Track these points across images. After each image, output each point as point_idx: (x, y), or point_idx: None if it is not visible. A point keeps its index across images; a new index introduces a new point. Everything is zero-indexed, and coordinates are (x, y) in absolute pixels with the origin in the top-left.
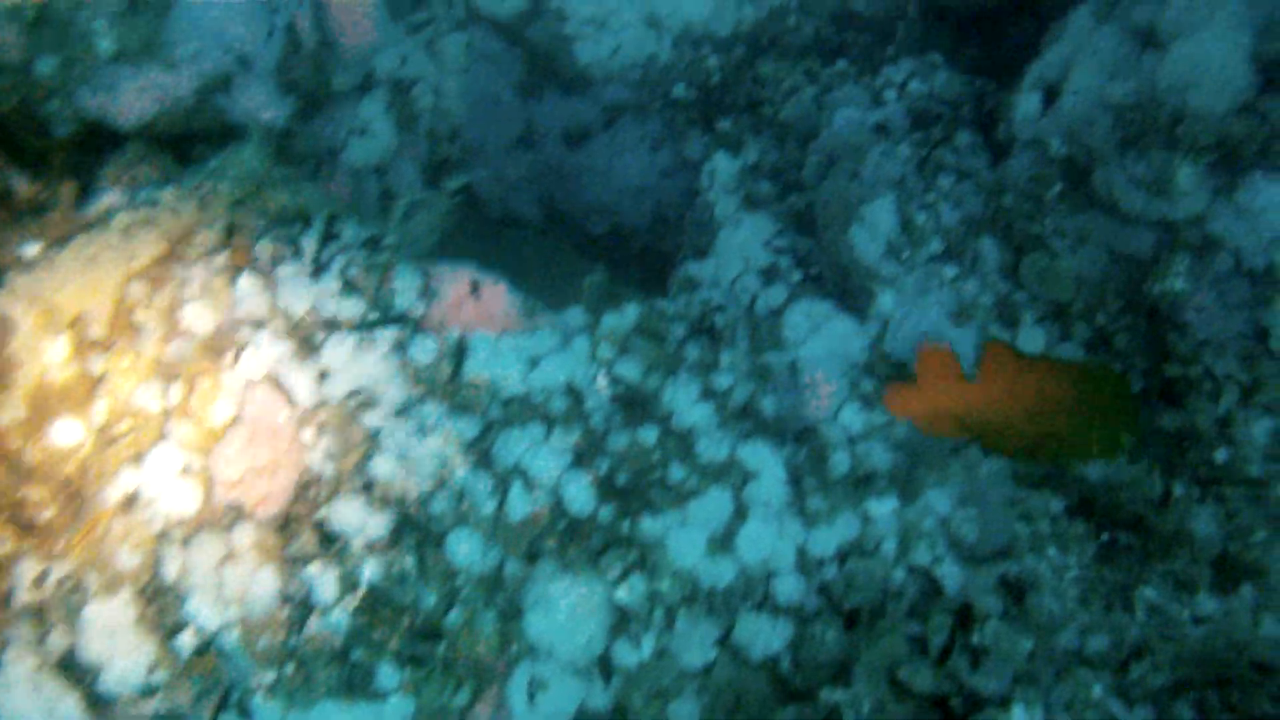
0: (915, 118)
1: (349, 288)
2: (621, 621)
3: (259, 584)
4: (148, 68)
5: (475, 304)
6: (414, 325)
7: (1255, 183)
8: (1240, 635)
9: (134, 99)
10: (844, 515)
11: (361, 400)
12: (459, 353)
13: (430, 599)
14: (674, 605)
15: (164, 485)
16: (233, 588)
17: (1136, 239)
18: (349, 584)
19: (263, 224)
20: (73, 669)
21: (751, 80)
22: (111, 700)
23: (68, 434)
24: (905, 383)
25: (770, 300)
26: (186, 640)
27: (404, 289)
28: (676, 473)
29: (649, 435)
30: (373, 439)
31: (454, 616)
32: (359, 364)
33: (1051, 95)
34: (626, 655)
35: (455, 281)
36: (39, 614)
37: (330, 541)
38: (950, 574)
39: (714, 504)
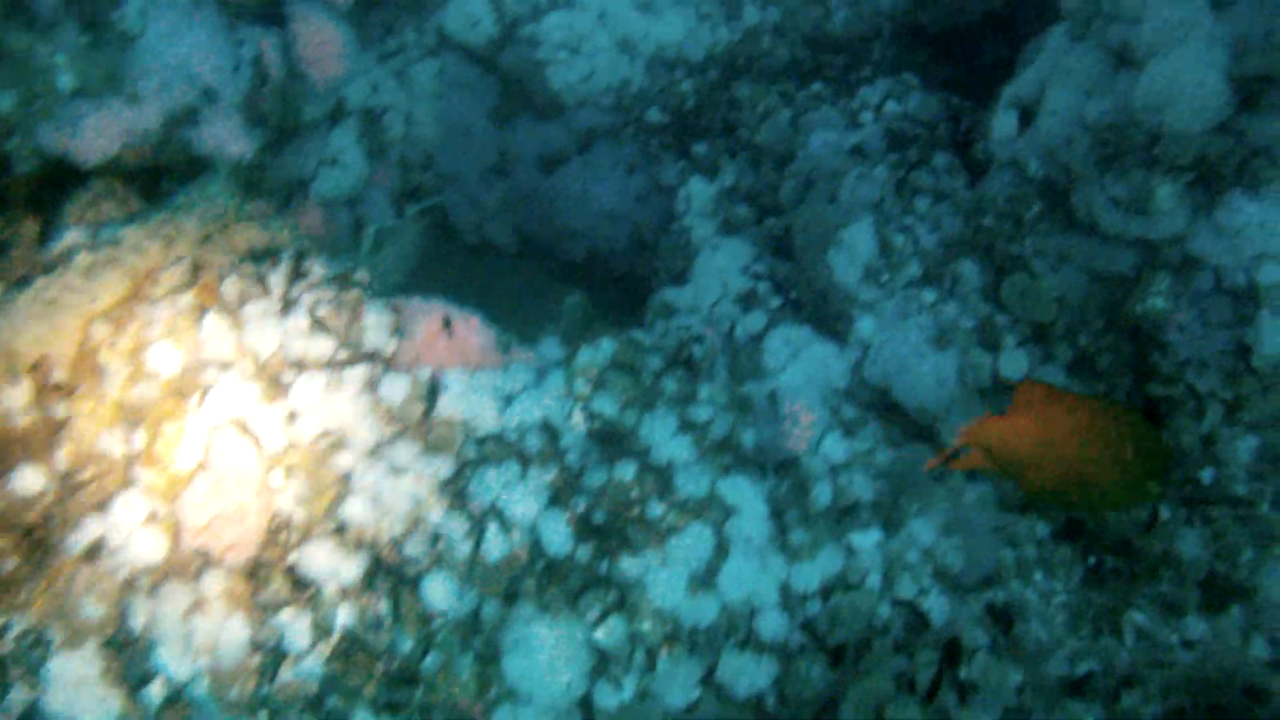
0: (892, 139)
1: (318, 326)
2: (602, 663)
3: (229, 632)
4: (110, 102)
5: (448, 340)
6: (385, 363)
7: (1234, 201)
8: (1230, 659)
9: (97, 135)
10: (827, 549)
11: (332, 441)
12: (432, 391)
13: (406, 644)
14: (655, 645)
15: (129, 533)
16: (202, 637)
17: (1117, 259)
18: (322, 630)
19: (230, 261)
20: None
21: (726, 103)
22: None
23: (29, 481)
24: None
25: (749, 327)
26: (155, 692)
27: (375, 326)
28: (655, 509)
29: (627, 471)
30: (344, 481)
31: (431, 661)
32: (329, 404)
33: (1028, 115)
34: (607, 697)
35: (427, 317)
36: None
37: (302, 587)
38: (936, 605)
39: (694, 541)
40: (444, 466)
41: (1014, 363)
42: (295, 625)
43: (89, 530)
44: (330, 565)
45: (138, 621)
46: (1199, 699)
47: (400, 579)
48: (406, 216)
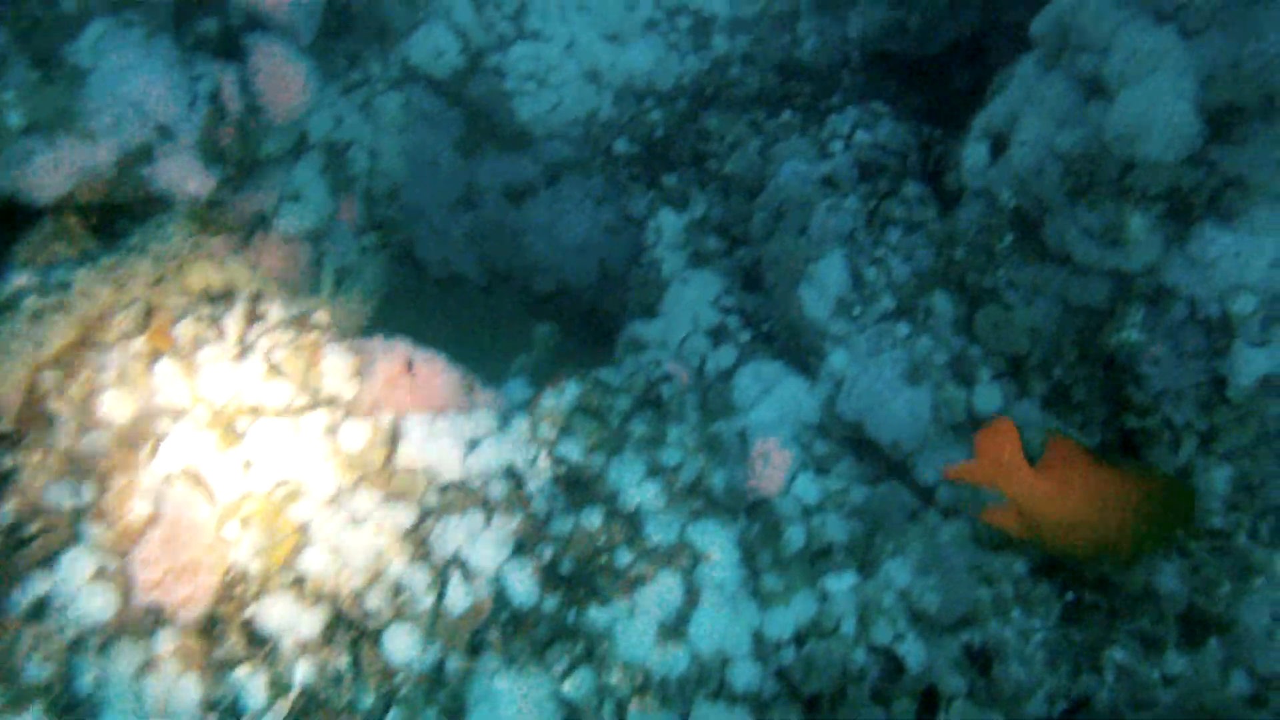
0: (862, 169)
1: (274, 371)
2: (571, 717)
3: (182, 692)
4: (62, 140)
5: (410, 383)
6: (345, 409)
7: (1207, 232)
8: (1210, 696)
9: (49, 173)
10: (800, 594)
11: (289, 491)
12: (392, 437)
13: (368, 699)
14: (625, 698)
15: (77, 590)
16: (154, 698)
17: (1090, 290)
18: (280, 687)
19: (184, 304)
20: None
21: (695, 134)
22: None
23: None
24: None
25: (720, 362)
26: None
27: (333, 371)
28: (623, 557)
29: (594, 519)
30: (302, 531)
31: (393, 717)
32: (286, 452)
33: (999, 145)
34: None
35: (389, 360)
36: None
37: (259, 642)
38: (913, 651)
39: (664, 589)
40: (405, 515)
41: (989, 397)
42: (251, 683)
43: (35, 587)
44: (288, 619)
45: (85, 682)
46: None
47: (361, 632)
48: (368, 249)
